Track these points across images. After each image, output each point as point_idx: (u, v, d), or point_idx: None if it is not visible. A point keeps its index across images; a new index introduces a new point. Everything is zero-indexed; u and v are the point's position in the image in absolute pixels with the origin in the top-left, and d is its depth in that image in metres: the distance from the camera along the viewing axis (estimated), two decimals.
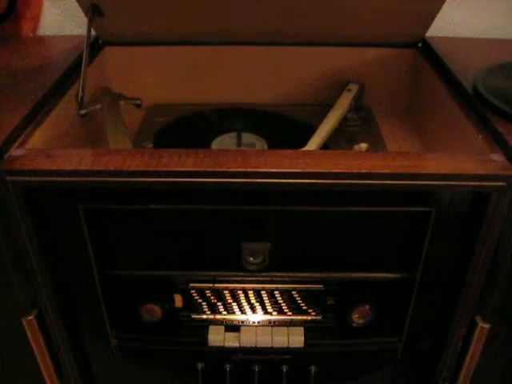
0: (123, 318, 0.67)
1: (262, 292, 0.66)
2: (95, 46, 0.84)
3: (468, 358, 0.66)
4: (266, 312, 0.68)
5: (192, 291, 0.66)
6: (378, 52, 0.84)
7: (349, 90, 0.83)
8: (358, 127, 0.82)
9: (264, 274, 0.64)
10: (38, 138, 0.61)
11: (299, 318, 0.68)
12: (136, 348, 0.70)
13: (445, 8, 0.74)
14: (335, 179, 0.53)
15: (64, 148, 0.66)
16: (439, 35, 0.87)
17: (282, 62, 0.85)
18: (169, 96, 0.89)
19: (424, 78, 0.81)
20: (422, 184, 0.53)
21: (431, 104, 0.78)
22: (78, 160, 0.54)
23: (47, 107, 0.66)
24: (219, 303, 0.67)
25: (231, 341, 0.67)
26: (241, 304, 0.67)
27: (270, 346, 0.66)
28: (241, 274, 0.64)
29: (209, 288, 0.66)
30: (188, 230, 0.60)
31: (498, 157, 0.55)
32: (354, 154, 0.58)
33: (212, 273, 0.64)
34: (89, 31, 0.74)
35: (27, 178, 0.53)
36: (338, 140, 0.78)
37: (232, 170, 0.53)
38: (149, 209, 0.58)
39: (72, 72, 0.75)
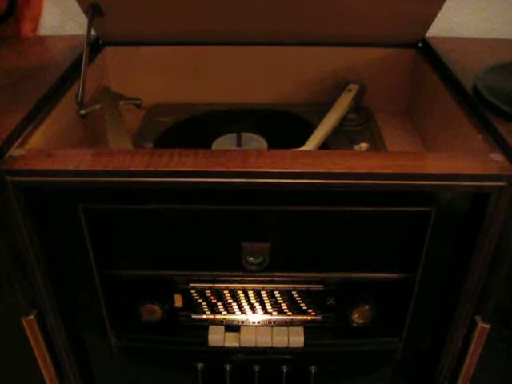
0: (123, 317, 0.67)
1: (262, 292, 0.66)
2: (95, 46, 0.84)
3: (468, 358, 0.66)
4: (265, 312, 0.68)
5: (192, 291, 0.66)
6: (377, 52, 0.84)
7: (349, 90, 0.83)
8: (358, 127, 0.82)
9: (264, 274, 0.64)
10: (37, 138, 0.61)
11: (299, 318, 0.68)
12: (136, 348, 0.70)
13: (445, 8, 0.74)
14: (335, 179, 0.53)
15: (64, 148, 0.66)
16: (439, 35, 0.87)
17: (282, 62, 0.85)
18: (169, 96, 0.88)
19: (424, 77, 0.81)
20: (422, 184, 0.53)
21: (431, 104, 0.78)
22: (78, 160, 0.54)
23: (47, 107, 0.66)
24: (219, 303, 0.67)
25: (231, 341, 0.67)
26: (241, 304, 0.67)
27: (270, 346, 0.66)
28: (241, 273, 0.64)
29: (209, 288, 0.66)
30: (188, 229, 0.60)
31: (497, 157, 0.55)
32: (354, 154, 0.58)
33: (212, 273, 0.64)
34: (89, 31, 0.75)
35: (27, 178, 0.53)
36: (338, 140, 0.78)
37: (232, 169, 0.53)
38: (149, 209, 0.58)
39: (72, 72, 0.75)
